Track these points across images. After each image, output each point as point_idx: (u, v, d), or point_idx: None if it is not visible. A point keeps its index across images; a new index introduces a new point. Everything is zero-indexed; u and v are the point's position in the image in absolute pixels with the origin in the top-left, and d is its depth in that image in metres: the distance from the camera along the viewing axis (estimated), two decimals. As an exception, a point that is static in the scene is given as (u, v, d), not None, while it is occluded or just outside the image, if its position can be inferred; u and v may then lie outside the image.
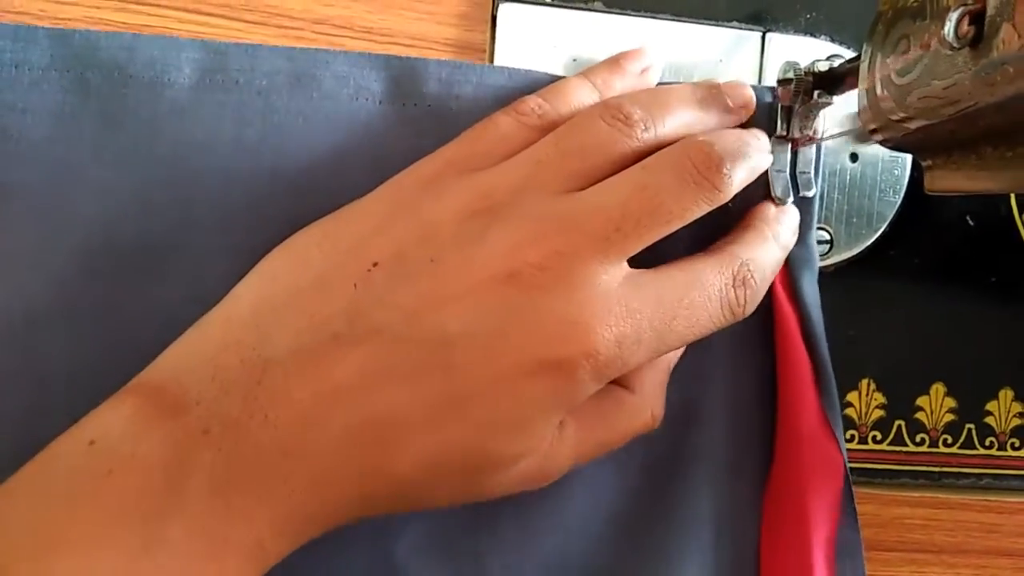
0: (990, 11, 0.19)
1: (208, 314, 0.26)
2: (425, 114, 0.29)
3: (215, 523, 0.22)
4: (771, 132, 0.31)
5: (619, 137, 0.26)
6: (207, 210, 0.28)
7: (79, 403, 0.27)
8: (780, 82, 0.30)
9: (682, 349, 0.27)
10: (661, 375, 0.29)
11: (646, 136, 0.26)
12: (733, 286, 0.26)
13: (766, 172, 0.31)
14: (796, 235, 0.30)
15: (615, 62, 0.30)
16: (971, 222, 0.36)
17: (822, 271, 0.34)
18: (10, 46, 0.27)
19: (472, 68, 0.29)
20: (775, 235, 0.28)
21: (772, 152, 0.31)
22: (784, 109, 0.31)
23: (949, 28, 0.20)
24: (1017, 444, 0.37)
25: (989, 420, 0.37)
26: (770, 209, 0.29)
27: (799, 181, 0.31)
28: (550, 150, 0.26)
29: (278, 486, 0.23)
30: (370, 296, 0.24)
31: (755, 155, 0.27)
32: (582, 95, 0.28)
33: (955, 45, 0.20)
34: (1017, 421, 0.37)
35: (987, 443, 0.37)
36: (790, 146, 0.31)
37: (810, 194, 0.31)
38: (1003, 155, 0.22)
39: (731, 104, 0.29)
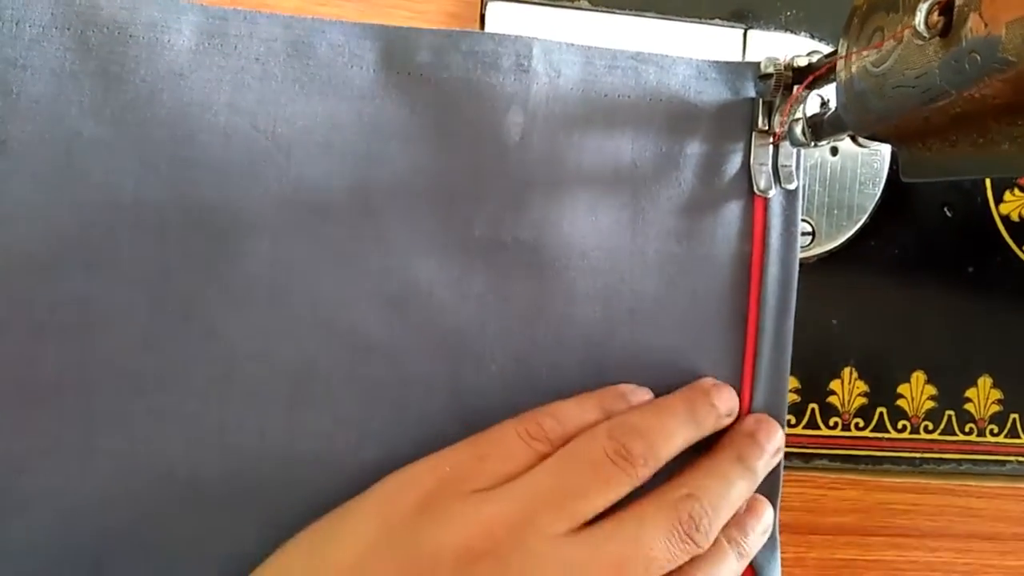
0: (958, 1, 0.20)
1: None
2: (417, 82, 0.30)
3: None
4: (752, 126, 0.32)
5: (620, 476, 0.27)
6: (204, 169, 0.28)
7: (72, 351, 0.27)
8: (761, 77, 0.31)
9: None
10: None
11: (645, 472, 0.27)
12: None
13: (748, 167, 0.32)
14: (762, 537, 0.30)
15: (622, 395, 0.30)
16: (949, 213, 0.37)
17: (806, 262, 0.35)
18: (11, 3, 0.27)
19: (462, 35, 0.30)
20: (739, 554, 0.29)
21: (754, 147, 0.32)
22: (765, 104, 0.31)
23: (920, 19, 0.21)
24: (996, 430, 0.38)
25: (968, 407, 0.38)
26: (736, 520, 0.30)
27: (781, 174, 0.32)
28: (553, 485, 0.27)
29: None
30: None
31: (743, 488, 0.29)
32: (589, 416, 0.29)
33: (925, 35, 0.21)
34: (995, 408, 0.38)
35: (967, 429, 0.38)
36: (772, 140, 0.32)
37: (792, 187, 0.32)
38: (975, 141, 0.23)
39: (720, 413, 0.30)
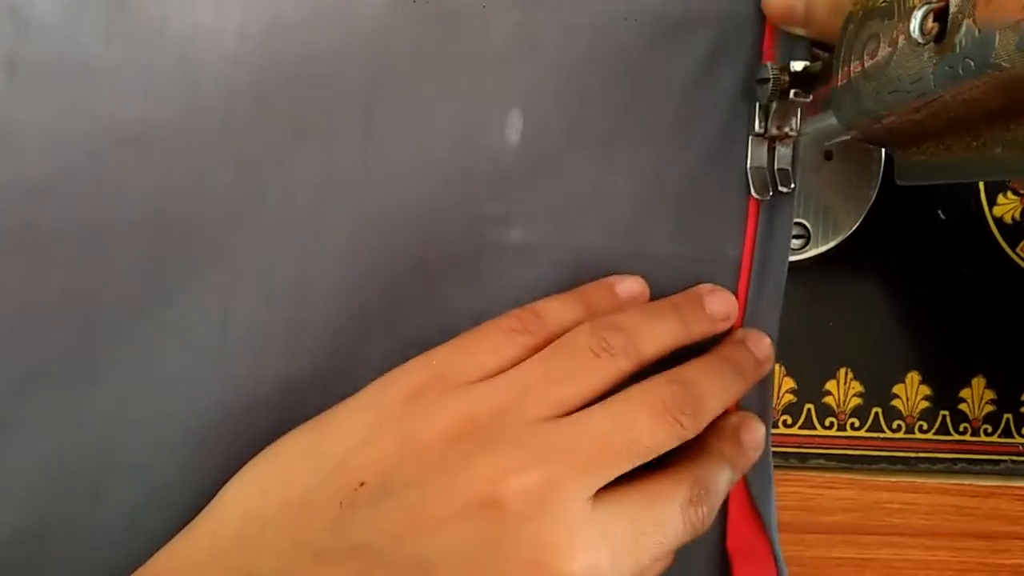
0: (952, 8, 0.21)
1: (200, 519, 0.27)
2: (423, 9, 0.30)
3: None
4: (749, 129, 0.32)
5: (602, 366, 0.27)
6: (214, 96, 0.29)
7: (75, 274, 0.28)
8: (758, 82, 0.31)
9: (663, 564, 0.28)
10: None
11: (627, 365, 0.28)
12: (691, 503, 0.27)
13: (745, 169, 0.32)
14: (754, 453, 0.31)
15: (609, 287, 0.31)
16: (942, 216, 0.38)
17: (800, 264, 0.35)
18: None
19: None
20: (730, 461, 0.29)
21: (751, 149, 0.32)
22: (762, 108, 0.32)
23: (915, 25, 0.21)
24: (990, 430, 0.38)
25: (963, 407, 0.38)
26: (727, 428, 0.30)
27: (777, 177, 0.32)
28: (537, 375, 0.27)
29: None
30: (355, 516, 0.25)
31: (730, 386, 0.29)
32: (572, 314, 0.29)
33: (920, 41, 0.21)
34: (990, 408, 0.38)
35: (961, 429, 0.38)
36: (768, 143, 0.32)
37: (787, 190, 0.32)
38: (968, 145, 0.23)
39: (714, 317, 0.31)
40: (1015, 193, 0.38)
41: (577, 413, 0.26)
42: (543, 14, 0.31)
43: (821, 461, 0.38)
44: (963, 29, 0.20)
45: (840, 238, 0.36)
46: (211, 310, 0.29)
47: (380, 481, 0.25)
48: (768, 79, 0.31)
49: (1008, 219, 0.38)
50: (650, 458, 0.26)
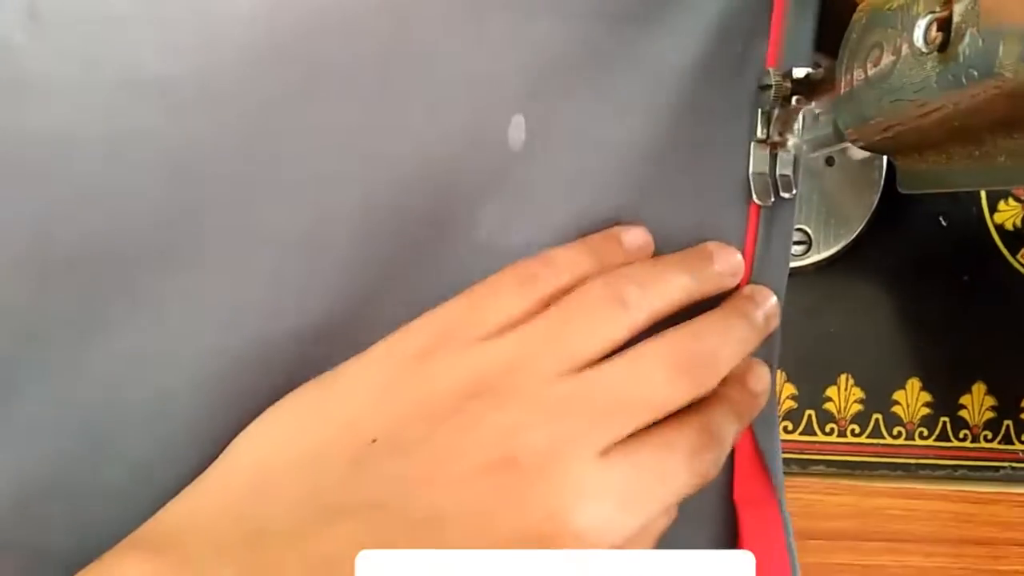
0: (956, 18, 0.21)
1: (210, 471, 0.27)
2: None
3: None
4: (751, 135, 0.32)
5: (616, 319, 0.27)
6: (229, 46, 0.28)
7: (88, 228, 0.27)
8: (760, 87, 0.32)
9: (668, 518, 0.28)
10: (647, 543, 0.29)
11: (641, 317, 0.27)
12: (698, 451, 0.27)
13: (747, 175, 0.32)
14: (761, 400, 0.30)
15: (614, 237, 0.30)
16: (944, 223, 0.38)
17: (802, 270, 0.35)
18: None
19: None
20: (736, 409, 0.29)
21: (753, 155, 0.32)
22: (763, 114, 0.32)
23: (918, 34, 0.21)
24: (990, 436, 0.38)
25: (963, 414, 0.38)
26: (733, 375, 0.30)
27: (779, 183, 0.32)
28: (550, 329, 0.27)
29: None
30: (366, 473, 0.25)
31: (744, 340, 0.29)
32: (582, 264, 0.29)
33: (924, 51, 0.21)
34: (990, 414, 0.38)
35: (961, 435, 0.38)
36: (770, 149, 0.32)
37: (789, 196, 0.32)
38: (971, 154, 0.23)
39: (723, 273, 0.30)
40: (1016, 200, 0.38)
41: (592, 368, 0.26)
42: (541, 15, 0.31)
43: (821, 467, 0.38)
44: (967, 38, 0.20)
45: (842, 244, 0.36)
46: (223, 264, 0.29)
47: (392, 438, 0.25)
48: (770, 85, 0.31)
49: (1009, 226, 0.38)
50: (665, 414, 0.26)
